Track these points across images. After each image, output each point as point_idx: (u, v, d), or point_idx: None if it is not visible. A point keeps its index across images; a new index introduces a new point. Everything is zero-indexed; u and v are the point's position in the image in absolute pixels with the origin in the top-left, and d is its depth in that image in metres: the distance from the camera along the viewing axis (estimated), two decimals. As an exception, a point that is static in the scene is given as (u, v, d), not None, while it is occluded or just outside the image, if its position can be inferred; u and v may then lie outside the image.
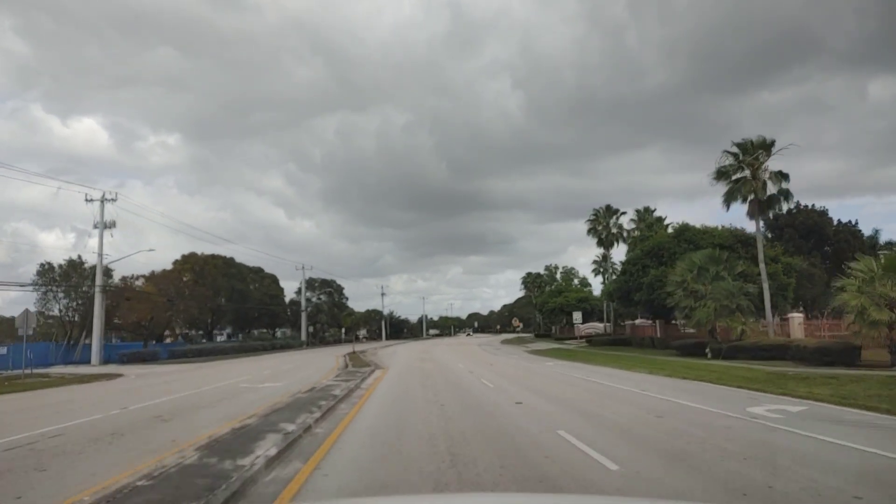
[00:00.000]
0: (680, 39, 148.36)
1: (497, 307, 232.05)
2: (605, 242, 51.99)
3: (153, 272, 61.54)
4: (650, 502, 5.37)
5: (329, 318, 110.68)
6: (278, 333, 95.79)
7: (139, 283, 60.24)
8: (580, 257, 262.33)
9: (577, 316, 35.74)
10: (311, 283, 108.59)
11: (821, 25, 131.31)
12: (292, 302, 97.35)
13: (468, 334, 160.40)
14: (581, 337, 71.17)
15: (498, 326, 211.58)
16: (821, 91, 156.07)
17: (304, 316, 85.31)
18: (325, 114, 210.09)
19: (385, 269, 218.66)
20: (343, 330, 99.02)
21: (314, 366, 32.00)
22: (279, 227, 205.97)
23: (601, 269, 70.92)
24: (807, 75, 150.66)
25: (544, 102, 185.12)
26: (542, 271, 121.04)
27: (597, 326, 73.43)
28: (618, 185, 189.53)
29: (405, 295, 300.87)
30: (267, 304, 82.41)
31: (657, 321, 42.13)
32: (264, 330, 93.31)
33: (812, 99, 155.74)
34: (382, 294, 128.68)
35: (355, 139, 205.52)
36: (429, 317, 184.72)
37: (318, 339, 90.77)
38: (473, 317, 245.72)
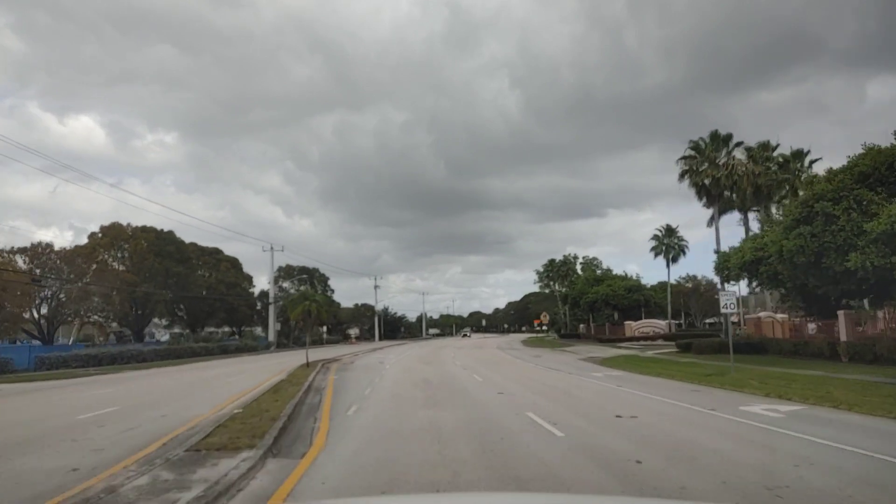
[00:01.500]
0: (679, 39, 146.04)
1: (496, 306, 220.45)
2: (712, 190, 32.02)
3: (38, 243, 43.21)
4: (650, 502, 5.02)
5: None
6: (257, 332, 77.16)
7: (18, 259, 42.00)
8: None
9: (727, 301, 17.75)
10: (288, 272, 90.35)
11: (820, 25, 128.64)
12: (263, 294, 78.90)
13: (465, 335, 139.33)
14: (638, 339, 53.11)
15: (505, 325, 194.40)
16: (820, 92, 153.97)
17: (271, 311, 66.82)
18: (323, 112, 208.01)
19: (383, 268, 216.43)
20: (325, 328, 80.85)
21: (150, 414, 13.10)
22: (277, 226, 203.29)
23: (663, 247, 52.84)
24: (806, 75, 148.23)
25: (542, 102, 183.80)
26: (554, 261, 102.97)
27: (657, 324, 55.20)
28: (616, 185, 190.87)
29: (404, 294, 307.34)
30: (223, 295, 63.99)
31: (841, 314, 23.80)
32: (227, 329, 75.05)
33: (811, 99, 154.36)
34: (376, 287, 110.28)
35: (353, 138, 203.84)
36: (428, 315, 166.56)
37: (291, 340, 72.38)
38: (476, 315, 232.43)
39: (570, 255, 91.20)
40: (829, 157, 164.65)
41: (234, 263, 70.03)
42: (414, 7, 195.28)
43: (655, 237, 51.89)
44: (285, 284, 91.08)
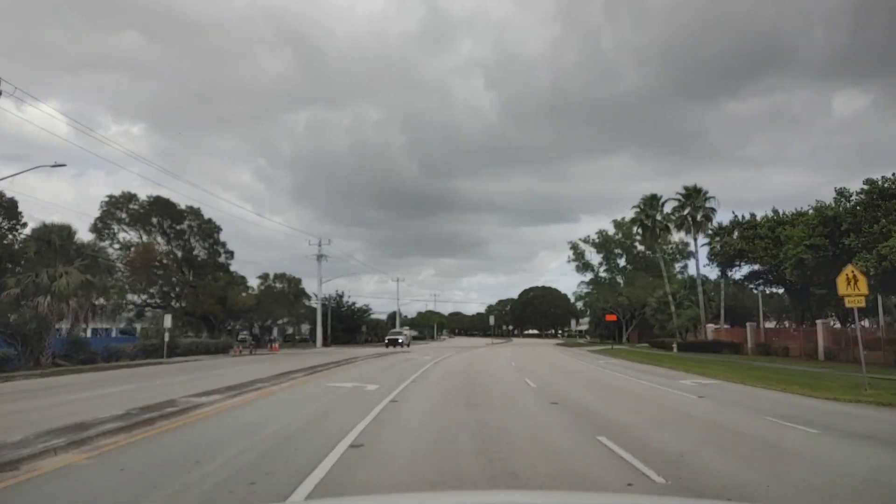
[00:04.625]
0: (653, 45, 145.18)
1: (472, 311, 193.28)
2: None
3: None
4: (652, 501, 4.79)
5: (183, 292, 46.22)
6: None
7: None
8: (552, 261, 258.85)
9: None
10: (121, 204, 44.08)
11: (792, 37, 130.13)
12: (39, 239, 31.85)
13: (394, 340, 59.79)
14: None
15: (511, 328, 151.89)
16: (788, 103, 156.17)
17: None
18: (295, 108, 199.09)
19: (355, 268, 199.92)
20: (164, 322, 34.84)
21: None
22: (247, 222, 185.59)
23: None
24: (775, 86, 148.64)
25: (517, 104, 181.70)
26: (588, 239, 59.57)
27: None
28: (589, 190, 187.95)
29: (376, 297, 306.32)
30: None
31: None
32: None
33: (779, 110, 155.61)
34: (319, 256, 63.77)
35: (326, 135, 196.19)
36: (403, 314, 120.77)
37: (51, 350, 26.40)
38: (457, 317, 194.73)
39: (621, 219, 46.76)
40: (795, 167, 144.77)
41: None
42: (390, 3, 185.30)
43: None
44: (127, 236, 44.95)
